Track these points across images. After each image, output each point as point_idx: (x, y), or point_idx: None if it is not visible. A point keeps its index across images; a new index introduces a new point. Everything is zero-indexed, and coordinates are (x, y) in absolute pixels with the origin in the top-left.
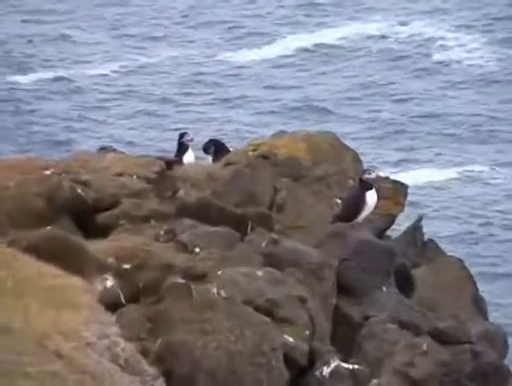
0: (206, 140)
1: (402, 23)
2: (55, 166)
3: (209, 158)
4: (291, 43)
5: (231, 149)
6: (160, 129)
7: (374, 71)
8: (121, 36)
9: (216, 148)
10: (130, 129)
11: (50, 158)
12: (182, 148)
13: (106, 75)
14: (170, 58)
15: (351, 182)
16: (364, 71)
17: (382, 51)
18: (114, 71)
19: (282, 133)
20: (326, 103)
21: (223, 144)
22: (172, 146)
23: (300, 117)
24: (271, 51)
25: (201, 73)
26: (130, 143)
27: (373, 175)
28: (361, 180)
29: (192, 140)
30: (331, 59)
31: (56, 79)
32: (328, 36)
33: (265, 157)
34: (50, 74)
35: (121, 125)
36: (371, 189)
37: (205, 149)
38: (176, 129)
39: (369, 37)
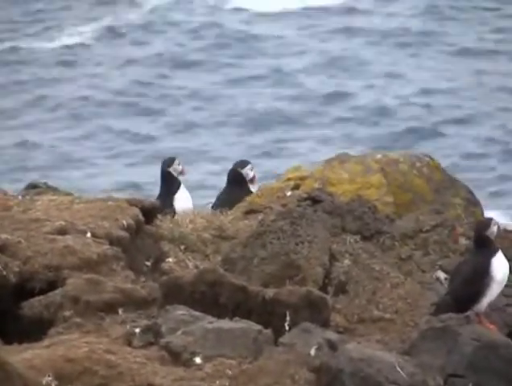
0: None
1: None
2: None
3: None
4: None
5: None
6: (135, 140)
7: None
8: None
9: (231, 177)
10: (76, 142)
11: None
12: (169, 184)
13: None
14: None
15: (463, 241)
16: None
17: None
18: None
19: (343, 155)
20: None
21: (241, 174)
22: (155, 179)
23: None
24: None
25: None
26: (80, 171)
27: (493, 228)
28: (481, 237)
29: (182, 172)
30: None
31: None
32: None
33: (314, 200)
34: None
35: (62, 135)
36: (497, 252)
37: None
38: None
39: None
